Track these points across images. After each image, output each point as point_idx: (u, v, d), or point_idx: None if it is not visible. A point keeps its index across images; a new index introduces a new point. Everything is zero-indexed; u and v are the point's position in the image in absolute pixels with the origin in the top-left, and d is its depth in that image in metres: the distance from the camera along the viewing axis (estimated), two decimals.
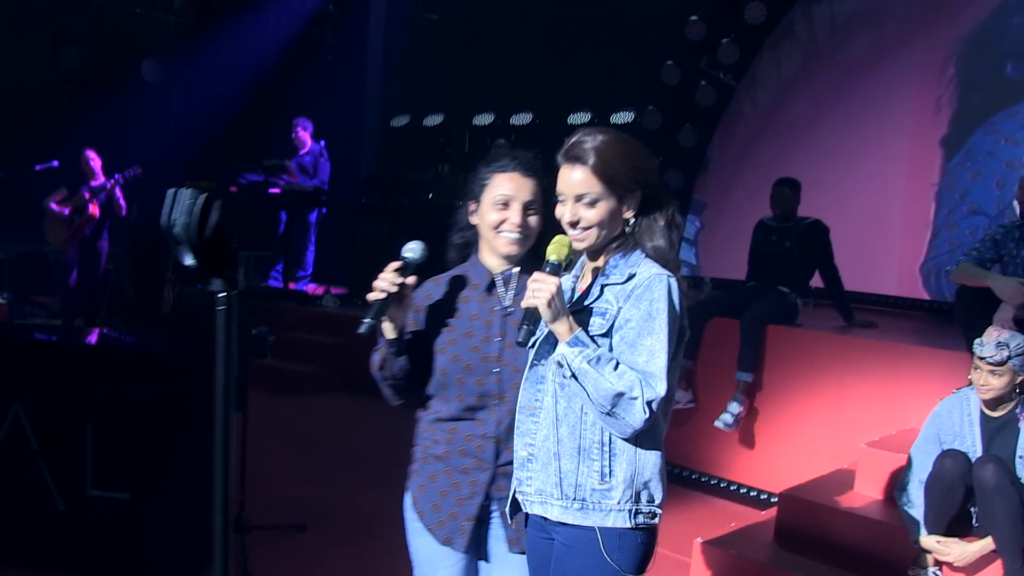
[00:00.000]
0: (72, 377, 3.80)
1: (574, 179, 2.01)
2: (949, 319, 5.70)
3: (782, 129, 7.85)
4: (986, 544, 3.56)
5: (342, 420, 6.61)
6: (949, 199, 7.06)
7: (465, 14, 9.76)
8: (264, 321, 7.96)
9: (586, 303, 2.05)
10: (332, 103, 9.65)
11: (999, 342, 3.56)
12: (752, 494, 5.19)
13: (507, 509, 2.18)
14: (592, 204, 2.01)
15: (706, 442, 5.37)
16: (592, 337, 1.98)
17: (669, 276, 1.99)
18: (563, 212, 2.04)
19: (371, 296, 2.15)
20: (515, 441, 2.11)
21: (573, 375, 1.94)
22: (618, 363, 1.94)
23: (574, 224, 2.02)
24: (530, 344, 2.06)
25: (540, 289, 1.94)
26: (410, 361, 2.28)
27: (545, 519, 2.07)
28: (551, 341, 2.02)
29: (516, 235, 2.26)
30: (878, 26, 7.40)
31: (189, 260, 1.65)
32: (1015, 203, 4.49)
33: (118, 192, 7.98)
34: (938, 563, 3.68)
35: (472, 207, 2.34)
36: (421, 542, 2.33)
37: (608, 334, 2.00)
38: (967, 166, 6.97)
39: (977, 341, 3.62)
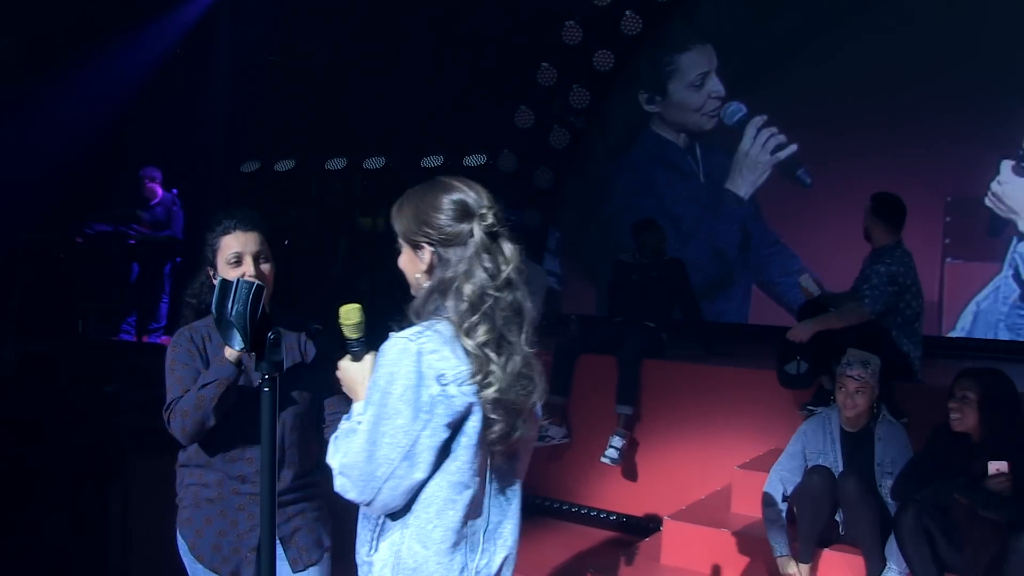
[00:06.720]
0: None
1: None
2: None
3: (634, 170, 8.28)
4: None
5: None
6: None
7: (311, 57, 9.70)
8: (119, 377, 7.56)
9: None
10: (181, 149, 9.37)
11: (863, 360, 3.93)
12: (633, 522, 5.35)
13: None
14: (399, 251, 1.91)
15: (584, 475, 5.56)
16: None
17: (405, 339, 1.74)
18: None
19: None
20: None
21: None
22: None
23: None
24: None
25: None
26: None
27: None
28: None
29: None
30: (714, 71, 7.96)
31: (239, 344, 1.76)
32: None
33: None
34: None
35: (210, 272, 2.54)
36: None
37: None
38: None
39: (844, 361, 3.96)
